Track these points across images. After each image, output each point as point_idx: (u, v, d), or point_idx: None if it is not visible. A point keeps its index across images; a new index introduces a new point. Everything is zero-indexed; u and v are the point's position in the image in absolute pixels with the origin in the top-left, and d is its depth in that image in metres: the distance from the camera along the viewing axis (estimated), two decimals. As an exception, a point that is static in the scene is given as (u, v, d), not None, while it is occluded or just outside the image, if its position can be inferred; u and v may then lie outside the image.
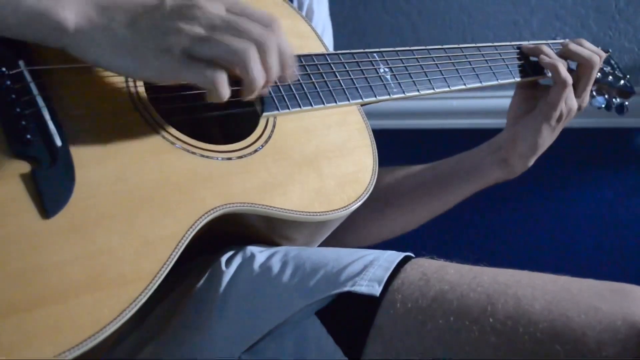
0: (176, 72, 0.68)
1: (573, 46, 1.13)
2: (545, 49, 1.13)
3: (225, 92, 0.69)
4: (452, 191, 1.15)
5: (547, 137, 1.11)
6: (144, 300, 0.64)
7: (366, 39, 1.85)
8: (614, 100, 1.26)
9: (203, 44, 0.68)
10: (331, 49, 1.03)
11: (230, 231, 0.80)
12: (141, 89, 0.77)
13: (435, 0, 1.79)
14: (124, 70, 0.69)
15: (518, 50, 1.15)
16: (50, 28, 0.66)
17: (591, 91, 1.18)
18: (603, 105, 1.25)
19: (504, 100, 1.56)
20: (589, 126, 1.62)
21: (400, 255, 0.75)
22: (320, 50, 0.97)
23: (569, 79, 1.08)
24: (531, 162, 1.13)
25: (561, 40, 1.20)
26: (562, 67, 1.09)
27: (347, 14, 1.85)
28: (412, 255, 0.76)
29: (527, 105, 1.14)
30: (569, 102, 1.09)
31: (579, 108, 1.13)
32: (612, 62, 1.29)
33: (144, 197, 0.70)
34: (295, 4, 1.10)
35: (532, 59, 1.15)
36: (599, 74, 1.20)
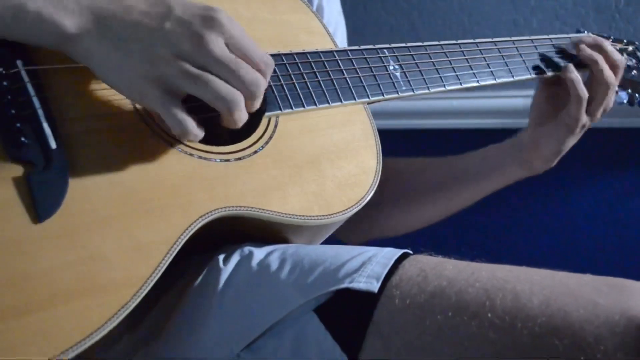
0: (152, 103, 0.68)
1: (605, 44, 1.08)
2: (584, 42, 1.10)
3: (194, 136, 0.70)
4: (473, 189, 1.15)
5: (571, 142, 1.10)
6: (133, 305, 0.63)
7: (366, 39, 1.84)
8: (637, 95, 1.19)
9: (190, 81, 0.68)
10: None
11: (227, 232, 0.79)
12: None
13: (435, 0, 1.79)
14: (112, 85, 0.70)
15: (535, 45, 1.10)
16: (50, 34, 0.67)
17: None
18: (625, 101, 1.18)
19: (504, 100, 1.56)
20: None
21: (399, 252, 0.74)
22: (329, 47, 0.94)
23: (584, 93, 1.05)
24: (554, 163, 1.12)
25: (579, 34, 1.15)
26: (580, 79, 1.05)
27: (347, 13, 1.85)
28: (410, 252, 0.76)
29: (550, 104, 1.11)
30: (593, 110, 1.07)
31: (604, 110, 1.09)
32: (639, 54, 1.23)
33: (139, 200, 0.69)
34: None
35: (550, 55, 1.10)
36: None
